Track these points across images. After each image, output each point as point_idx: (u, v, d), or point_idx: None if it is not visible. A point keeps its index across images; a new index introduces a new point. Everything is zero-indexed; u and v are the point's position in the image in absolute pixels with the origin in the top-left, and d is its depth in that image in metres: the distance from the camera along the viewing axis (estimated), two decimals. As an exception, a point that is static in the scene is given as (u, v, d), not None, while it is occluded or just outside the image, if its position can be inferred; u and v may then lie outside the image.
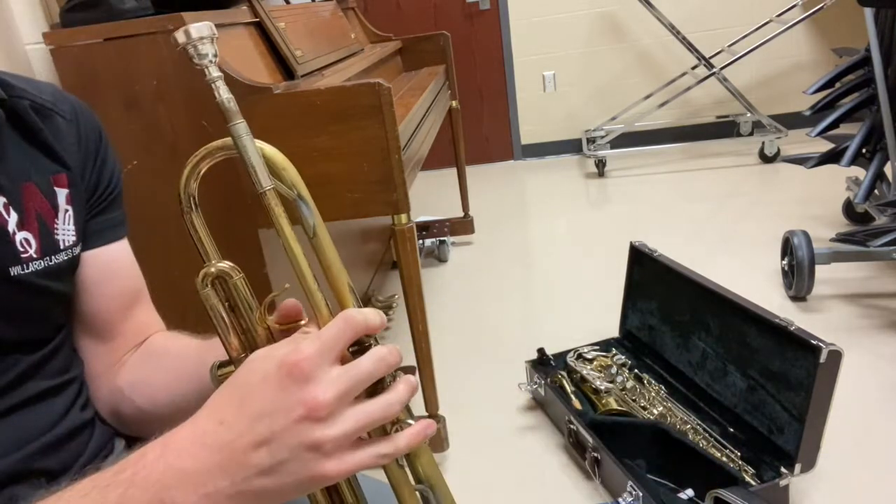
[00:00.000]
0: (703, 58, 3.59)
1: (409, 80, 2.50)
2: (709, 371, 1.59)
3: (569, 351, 1.85)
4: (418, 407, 1.60)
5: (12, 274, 0.58)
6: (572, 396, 1.67)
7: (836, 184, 2.73)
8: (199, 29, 0.47)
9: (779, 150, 3.59)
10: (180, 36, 0.47)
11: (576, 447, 1.56)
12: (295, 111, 1.32)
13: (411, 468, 0.51)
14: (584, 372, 1.72)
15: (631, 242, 1.88)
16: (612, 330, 1.94)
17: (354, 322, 0.46)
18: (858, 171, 2.34)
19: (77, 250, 0.66)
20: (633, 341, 1.88)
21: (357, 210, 1.39)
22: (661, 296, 1.77)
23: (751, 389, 1.45)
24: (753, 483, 1.32)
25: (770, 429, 1.39)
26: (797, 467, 1.32)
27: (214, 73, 0.48)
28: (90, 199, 0.68)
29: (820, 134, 2.30)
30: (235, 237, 1.38)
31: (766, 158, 3.63)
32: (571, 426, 1.56)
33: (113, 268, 0.70)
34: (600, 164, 3.82)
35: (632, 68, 4.12)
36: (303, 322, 0.53)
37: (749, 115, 3.72)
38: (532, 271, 2.77)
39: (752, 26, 3.64)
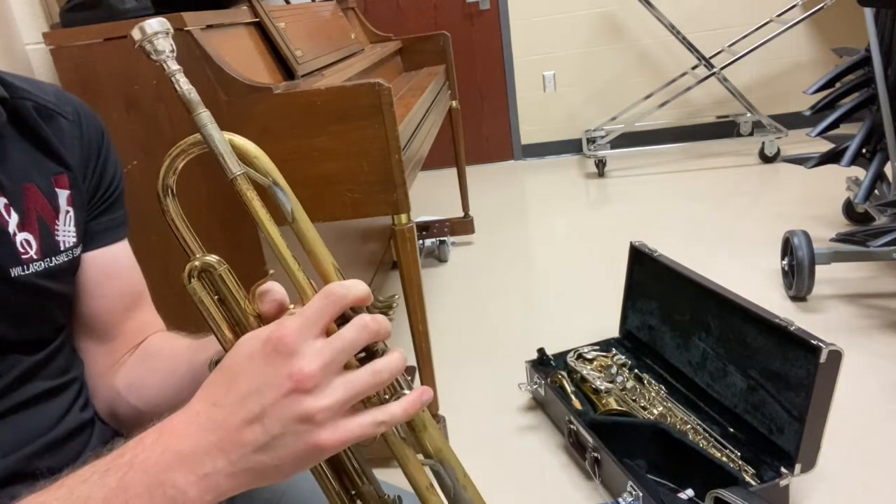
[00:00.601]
0: (703, 58, 3.59)
1: (409, 81, 2.50)
2: (709, 371, 1.59)
3: (569, 351, 1.85)
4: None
5: (13, 275, 0.58)
6: (572, 396, 1.67)
7: (837, 184, 2.73)
8: (152, 25, 0.48)
9: (779, 150, 3.59)
10: (136, 33, 0.48)
11: (576, 447, 1.56)
12: (295, 111, 1.32)
13: (418, 443, 0.51)
14: (585, 372, 1.72)
15: (631, 242, 1.88)
16: (612, 330, 1.94)
17: (336, 295, 0.46)
18: (858, 172, 2.33)
19: (77, 251, 0.66)
20: (633, 341, 1.88)
21: (357, 210, 1.39)
22: (661, 296, 1.77)
23: (751, 389, 1.45)
24: (753, 483, 1.32)
25: (770, 429, 1.40)
26: (797, 467, 1.32)
27: (173, 66, 0.49)
28: (92, 199, 0.68)
29: (820, 134, 2.30)
30: (236, 236, 1.38)
31: (766, 158, 3.63)
32: (571, 426, 1.56)
33: (114, 269, 0.70)
34: (600, 164, 3.82)
35: (632, 68, 4.12)
36: (292, 306, 0.53)
37: (749, 115, 3.72)
38: (532, 271, 2.77)
39: (752, 26, 3.64)
